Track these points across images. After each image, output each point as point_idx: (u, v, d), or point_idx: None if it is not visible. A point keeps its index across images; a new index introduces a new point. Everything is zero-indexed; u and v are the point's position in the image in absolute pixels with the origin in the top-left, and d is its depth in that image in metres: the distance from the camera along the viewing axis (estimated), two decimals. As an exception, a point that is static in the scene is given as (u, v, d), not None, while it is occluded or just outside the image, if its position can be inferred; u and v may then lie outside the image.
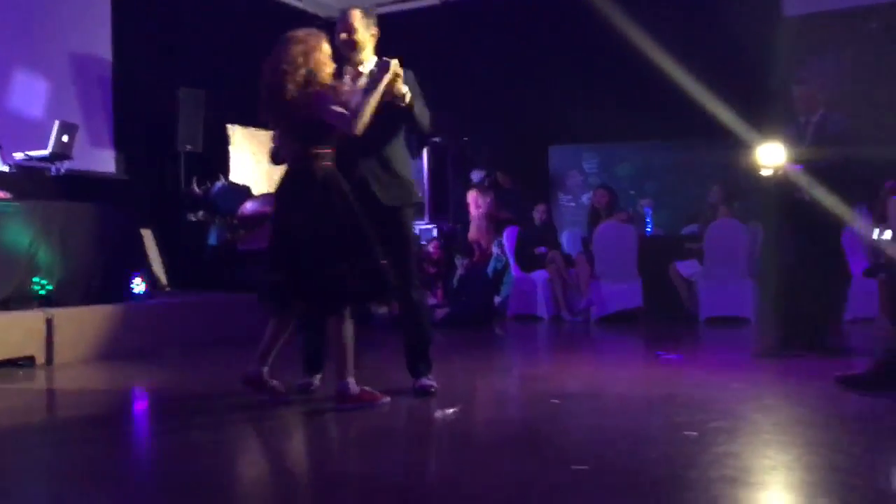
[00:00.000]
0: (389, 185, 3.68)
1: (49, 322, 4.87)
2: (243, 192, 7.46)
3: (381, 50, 3.82)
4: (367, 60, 3.73)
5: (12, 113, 6.27)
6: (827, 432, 3.01)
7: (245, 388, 3.50)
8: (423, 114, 3.71)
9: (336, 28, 3.76)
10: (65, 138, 5.93)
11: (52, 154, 5.84)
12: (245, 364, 3.50)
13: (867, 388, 3.51)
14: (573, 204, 9.36)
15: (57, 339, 4.88)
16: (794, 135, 4.85)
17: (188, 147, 7.54)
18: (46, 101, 6.47)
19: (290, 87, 3.33)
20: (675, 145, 8.70)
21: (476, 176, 9.13)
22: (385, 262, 3.40)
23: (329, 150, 3.44)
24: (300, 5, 9.45)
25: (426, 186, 9.31)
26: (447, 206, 9.71)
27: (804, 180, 4.65)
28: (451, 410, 3.45)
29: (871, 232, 5.47)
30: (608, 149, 9.18)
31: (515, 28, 9.43)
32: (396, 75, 3.45)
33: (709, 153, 8.50)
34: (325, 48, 3.45)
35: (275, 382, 3.53)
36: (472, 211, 8.79)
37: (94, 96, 6.88)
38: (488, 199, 8.64)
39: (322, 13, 9.73)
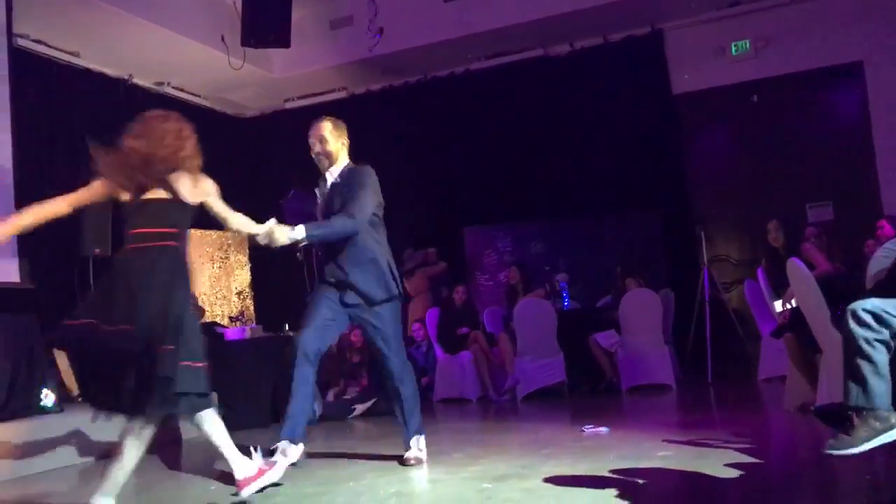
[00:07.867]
0: None
1: (-49, 446, 4.61)
2: (155, 293, 7.27)
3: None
4: (339, 164, 4.33)
5: None
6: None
7: None
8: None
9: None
10: (-36, 250, 5.73)
11: (-50, 268, 5.62)
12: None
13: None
14: (491, 283, 9.49)
15: (-40, 464, 4.63)
16: None
17: (96, 251, 7.35)
18: (-56, 213, 6.24)
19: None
20: (584, 221, 9.02)
21: (412, 256, 9.09)
22: None
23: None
24: (206, 103, 9.47)
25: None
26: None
27: None
28: None
29: (772, 300, 5.74)
30: (520, 227, 9.41)
31: (420, 115, 9.70)
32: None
33: (615, 226, 8.86)
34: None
35: None
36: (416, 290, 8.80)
37: (-4, 205, 6.67)
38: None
39: (230, 111, 9.79)
